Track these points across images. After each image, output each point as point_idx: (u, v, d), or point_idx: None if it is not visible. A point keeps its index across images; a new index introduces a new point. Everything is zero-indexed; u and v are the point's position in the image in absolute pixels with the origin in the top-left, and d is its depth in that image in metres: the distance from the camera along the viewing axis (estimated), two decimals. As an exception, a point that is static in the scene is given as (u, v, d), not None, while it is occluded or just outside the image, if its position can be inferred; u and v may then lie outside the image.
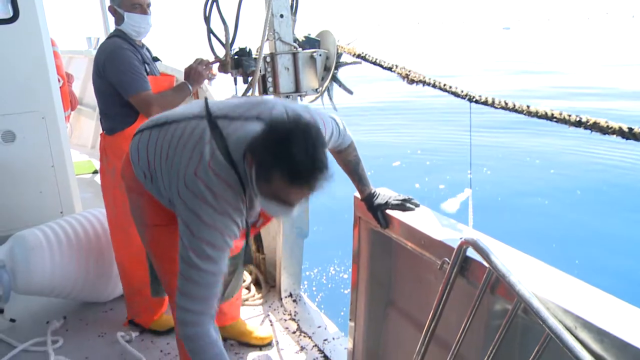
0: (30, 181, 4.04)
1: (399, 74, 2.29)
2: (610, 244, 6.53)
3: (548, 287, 1.58)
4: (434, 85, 2.10)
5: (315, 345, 2.98)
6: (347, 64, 2.86)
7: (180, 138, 1.77)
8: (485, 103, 1.92)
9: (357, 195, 2.38)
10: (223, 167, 1.63)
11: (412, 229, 2.03)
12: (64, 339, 2.96)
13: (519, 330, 1.73)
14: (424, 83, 2.16)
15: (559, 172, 9.17)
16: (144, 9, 2.80)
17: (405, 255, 2.27)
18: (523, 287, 1.55)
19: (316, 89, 2.95)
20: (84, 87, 7.21)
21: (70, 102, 5.56)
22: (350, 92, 2.89)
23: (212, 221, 1.59)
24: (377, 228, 2.27)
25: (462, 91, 2.01)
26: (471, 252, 1.77)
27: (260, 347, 2.95)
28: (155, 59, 3.09)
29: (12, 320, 3.12)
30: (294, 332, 3.12)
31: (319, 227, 6.00)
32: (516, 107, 1.84)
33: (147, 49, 3.00)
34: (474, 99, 1.96)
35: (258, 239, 3.62)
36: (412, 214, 2.14)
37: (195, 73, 2.92)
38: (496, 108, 1.91)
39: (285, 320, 3.26)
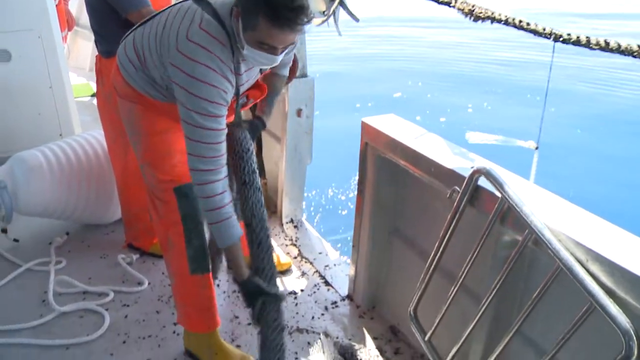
0: (28, 102, 3.95)
1: (460, 10, 1.97)
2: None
3: (560, 219, 1.54)
4: (507, 23, 1.82)
5: (317, 271, 3.00)
6: (347, 9, 2.73)
7: (167, 19, 1.83)
8: (572, 42, 1.66)
9: (366, 120, 2.31)
10: (213, 26, 1.71)
11: (422, 156, 1.97)
12: (67, 260, 2.97)
13: (527, 262, 1.71)
14: (494, 20, 1.86)
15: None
16: None
17: (413, 182, 2.23)
18: (535, 218, 1.51)
19: (323, 12, 2.82)
20: (80, 7, 6.93)
21: (67, 22, 5.35)
22: (357, 20, 2.77)
23: (208, 79, 1.67)
24: (385, 153, 2.21)
25: (543, 29, 1.73)
26: (482, 182, 1.72)
27: (281, 272, 2.95)
28: None
29: (16, 240, 3.12)
30: (295, 258, 3.13)
31: (323, 153, 5.94)
32: (610, 46, 1.64)
33: None
34: (560, 38, 1.71)
35: (260, 164, 3.57)
36: (422, 142, 2.08)
37: None
38: (586, 47, 1.64)
39: (287, 245, 3.26)
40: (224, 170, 1.79)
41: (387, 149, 2.19)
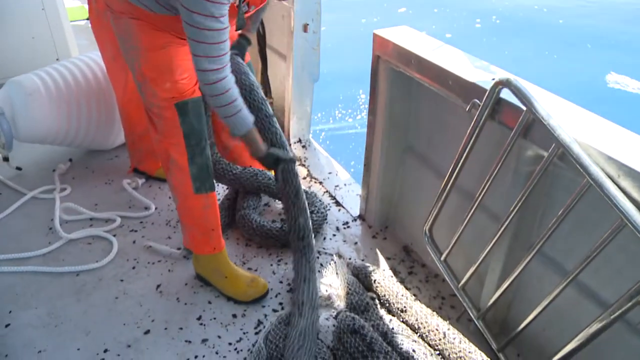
0: (21, 25, 3.78)
1: None
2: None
3: (589, 134, 1.44)
4: None
5: (327, 192, 2.94)
6: None
7: None
8: None
9: (378, 32, 2.17)
10: None
11: (439, 68, 1.85)
12: (71, 187, 2.93)
13: (550, 179, 1.63)
14: None
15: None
16: None
17: (429, 97, 2.11)
18: (563, 132, 1.41)
19: None
20: None
21: None
22: None
23: None
24: (398, 67, 2.09)
25: None
26: (504, 95, 1.61)
27: None
28: None
29: (19, 169, 3.06)
30: (304, 179, 3.07)
31: (331, 67, 5.75)
32: None
33: None
34: None
35: (265, 82, 3.45)
36: (438, 54, 1.95)
37: None
38: None
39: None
40: (229, 67, 1.80)
41: (400, 62, 2.06)
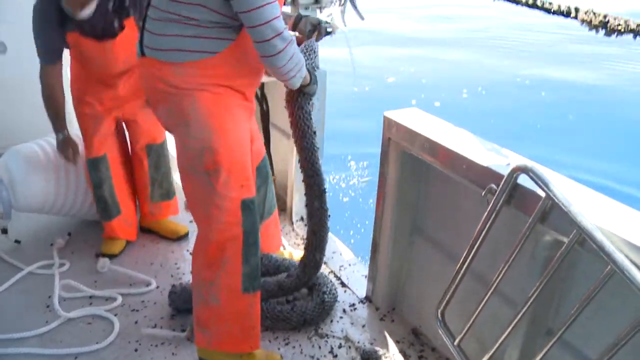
0: (25, 96, 3.85)
1: (585, 22, 1.73)
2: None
3: (610, 220, 1.48)
4: None
5: (332, 272, 2.94)
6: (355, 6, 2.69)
7: None
8: None
9: (387, 114, 2.25)
10: None
11: (453, 152, 1.90)
12: (70, 262, 2.90)
13: (569, 266, 1.65)
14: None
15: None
16: None
17: (441, 180, 2.16)
18: (584, 218, 1.45)
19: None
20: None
21: None
22: (362, 18, 2.73)
23: None
24: (410, 150, 2.15)
25: None
26: (521, 180, 1.66)
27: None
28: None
29: (17, 242, 3.05)
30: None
31: (338, 149, 5.89)
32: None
33: None
34: None
35: (268, 159, 3.51)
36: (450, 137, 2.01)
37: (63, 150, 2.80)
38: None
39: (298, 245, 3.20)
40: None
41: (412, 145, 2.12)
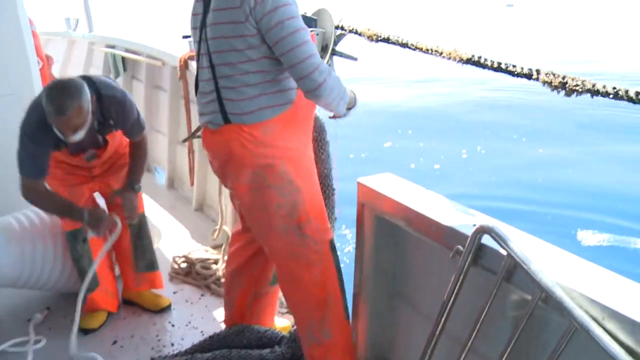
0: (7, 169, 3.94)
1: (547, 83, 1.92)
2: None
3: (571, 276, 1.53)
4: (618, 96, 1.75)
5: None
6: (342, 55, 2.82)
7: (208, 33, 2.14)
8: None
9: (361, 180, 2.32)
10: None
11: (422, 215, 1.97)
12: (47, 338, 2.89)
13: (537, 322, 1.69)
14: (597, 93, 1.80)
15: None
16: None
17: (413, 243, 2.22)
18: (544, 276, 1.50)
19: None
20: (64, 70, 7.07)
21: None
22: (355, 59, 2.83)
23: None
24: (383, 215, 2.21)
25: None
26: (486, 240, 1.71)
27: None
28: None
29: (-7, 318, 3.05)
30: (294, 326, 3.05)
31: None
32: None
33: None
34: None
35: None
36: (421, 200, 2.08)
37: (97, 225, 2.82)
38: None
39: (282, 314, 3.20)
40: None
41: (385, 210, 2.19)
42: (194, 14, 2.23)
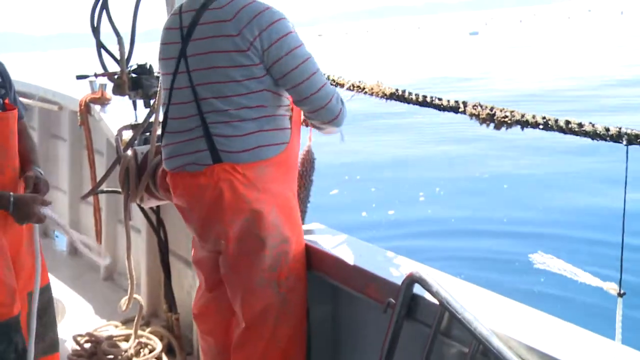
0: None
1: (474, 115, 2.07)
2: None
3: (508, 323, 1.60)
4: (548, 126, 1.86)
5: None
6: None
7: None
8: None
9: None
10: None
11: (350, 267, 2.02)
12: None
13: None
14: (527, 124, 1.92)
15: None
16: None
17: (346, 298, 2.25)
18: (480, 325, 1.55)
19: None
20: None
21: None
22: (343, 140, 2.93)
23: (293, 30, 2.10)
24: (314, 271, 2.24)
25: (616, 131, 1.70)
26: (418, 290, 1.77)
27: None
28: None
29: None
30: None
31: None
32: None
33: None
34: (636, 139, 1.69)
35: (169, 295, 3.47)
36: (349, 250, 2.13)
37: (25, 209, 2.39)
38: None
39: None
40: None
41: (315, 265, 2.23)
42: (165, 43, 2.21)
